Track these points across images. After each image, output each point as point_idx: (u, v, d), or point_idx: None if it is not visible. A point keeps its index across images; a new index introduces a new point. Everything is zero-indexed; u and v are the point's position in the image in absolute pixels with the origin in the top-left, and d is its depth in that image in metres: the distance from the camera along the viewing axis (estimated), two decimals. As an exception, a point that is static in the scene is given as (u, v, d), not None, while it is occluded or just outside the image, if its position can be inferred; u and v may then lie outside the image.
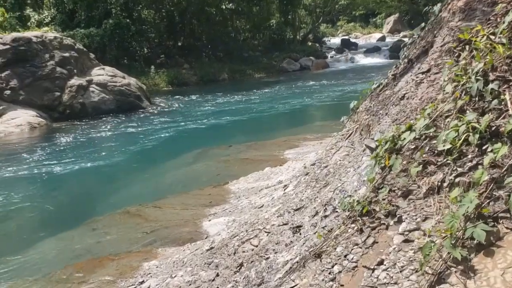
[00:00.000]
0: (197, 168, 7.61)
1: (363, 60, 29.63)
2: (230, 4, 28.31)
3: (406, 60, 3.60)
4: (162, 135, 11.45)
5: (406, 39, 33.25)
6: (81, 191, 7.80)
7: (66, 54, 14.84)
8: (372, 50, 31.59)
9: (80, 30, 22.37)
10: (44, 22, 24.60)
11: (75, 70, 14.82)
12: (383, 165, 2.52)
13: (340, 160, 3.51)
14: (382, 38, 39.53)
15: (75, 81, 14.53)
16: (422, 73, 3.12)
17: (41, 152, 10.04)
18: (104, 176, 8.41)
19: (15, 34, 14.39)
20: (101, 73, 15.34)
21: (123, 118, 13.87)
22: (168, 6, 27.14)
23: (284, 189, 4.48)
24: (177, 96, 18.36)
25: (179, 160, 8.62)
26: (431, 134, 2.35)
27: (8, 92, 13.49)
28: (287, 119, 13.10)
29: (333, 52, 33.17)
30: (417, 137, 2.41)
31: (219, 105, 15.84)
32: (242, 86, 21.43)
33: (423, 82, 3.03)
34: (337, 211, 2.76)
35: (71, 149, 10.26)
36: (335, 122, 11.06)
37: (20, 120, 12.87)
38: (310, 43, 34.71)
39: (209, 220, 4.89)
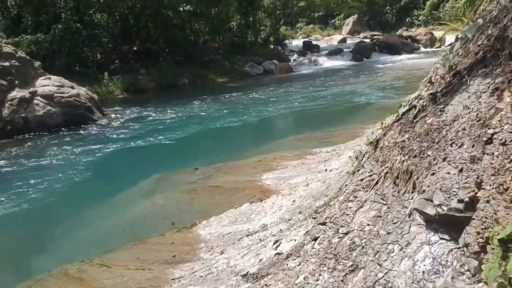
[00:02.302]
0: (156, 202, 6.21)
1: (326, 62, 28.96)
2: (188, 6, 27.01)
3: (451, 73, 2.53)
4: (115, 156, 9.97)
5: (367, 40, 32.97)
6: (5, 241, 6.09)
7: (6, 64, 13.15)
8: (334, 52, 30.99)
9: (26, 37, 20.51)
10: (-14, 28, 22.57)
11: (16, 81, 13.14)
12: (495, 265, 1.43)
13: (369, 225, 2.40)
14: (343, 40, 39.20)
15: (16, 93, 12.86)
16: (494, 91, 2.07)
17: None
18: (38, 218, 6.76)
19: None
20: (47, 84, 13.72)
21: (71, 134, 12.32)
22: (122, 10, 25.54)
23: (275, 247, 3.33)
24: (133, 105, 16.88)
25: (134, 190, 7.16)
26: None
27: None
28: (258, 132, 11.93)
29: (296, 55, 32.41)
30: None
31: (180, 115, 14.50)
32: (205, 92, 20.12)
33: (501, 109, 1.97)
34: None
35: (1, 179, 8.66)
36: (309, 134, 10.13)
37: (-50, 140, 11.15)
38: (272, 46, 33.81)
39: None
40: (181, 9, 26.66)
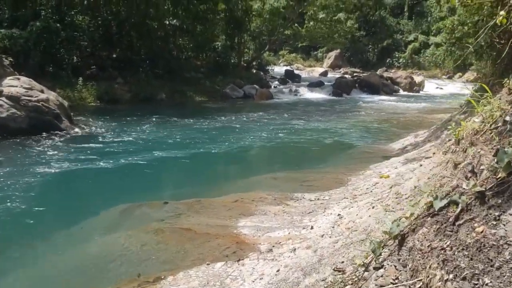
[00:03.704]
0: (116, 243, 5.39)
1: (307, 94, 28.83)
2: (174, 20, 26.55)
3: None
4: (77, 174, 9.09)
5: (347, 76, 33.24)
6: None
7: (-29, 57, 12.23)
8: (315, 84, 30.94)
9: (0, 30, 19.50)
10: (-40, 17, 21.50)
11: (-20, 78, 12.21)
12: None
13: None
14: (325, 73, 39.44)
15: (-22, 91, 11.92)
16: None
17: None
18: None
19: None
20: (15, 84, 12.80)
21: (34, 142, 11.42)
22: (105, 15, 24.80)
23: None
24: (106, 116, 16.05)
25: (93, 222, 6.32)
26: None
27: None
28: (234, 163, 11.31)
29: (277, 82, 32.24)
30: None
31: (154, 132, 13.79)
32: (182, 110, 19.48)
33: None
34: None
35: None
36: (289, 173, 9.59)
37: None
38: (254, 70, 33.59)
39: None
40: (167, 22, 26.17)
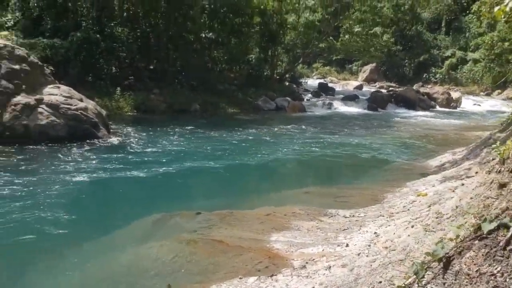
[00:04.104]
0: (150, 252, 5.39)
1: (341, 107, 28.57)
2: (210, 34, 26.93)
3: None
4: (113, 182, 9.22)
5: (383, 90, 32.74)
6: None
7: (16, 67, 12.69)
8: (350, 98, 30.66)
9: (43, 40, 20.26)
10: (6, 25, 22.44)
11: (23, 86, 12.64)
12: None
13: None
14: (360, 87, 39.06)
15: (21, 99, 12.34)
16: None
17: None
18: (4, 259, 5.76)
19: (-45, 36, 12.19)
20: (55, 93, 13.21)
21: (72, 150, 11.70)
22: (144, 27, 25.40)
23: None
24: (142, 125, 16.35)
25: (127, 231, 6.38)
26: None
27: None
28: (267, 176, 11.25)
29: (310, 95, 32.17)
30: None
31: (187, 143, 13.92)
32: (215, 121, 19.66)
33: None
34: None
35: None
36: (322, 188, 9.45)
37: None
38: (287, 83, 33.61)
39: None
40: (203, 35, 26.55)
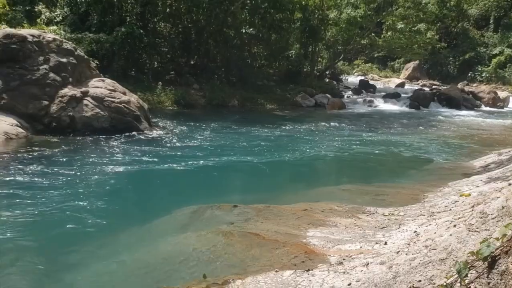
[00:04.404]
0: (188, 241, 5.47)
1: (382, 105, 28.06)
2: (251, 29, 26.99)
3: None
4: (153, 174, 9.41)
5: (426, 89, 31.86)
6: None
7: (64, 60, 13.15)
8: (391, 96, 30.04)
9: (89, 35, 20.94)
10: (55, 20, 23.30)
11: (70, 79, 13.10)
12: None
13: None
14: (402, 85, 38.20)
15: (68, 91, 12.78)
16: None
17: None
18: (46, 238, 6.02)
19: (8, 30, 12.73)
20: (100, 86, 13.61)
21: (114, 142, 12.01)
22: (185, 22, 25.77)
23: None
24: (181, 119, 16.60)
25: (166, 221, 6.47)
26: None
27: (-12, 94, 11.75)
28: (305, 173, 11.17)
29: (350, 92, 31.73)
30: None
31: (226, 137, 14.03)
32: (253, 117, 19.73)
33: None
34: None
35: (27, 181, 8.07)
36: (361, 186, 9.30)
37: (-4, 129, 11.07)
38: (327, 80, 33.28)
39: None
40: (243, 30, 26.64)
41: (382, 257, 4.14)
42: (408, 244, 4.37)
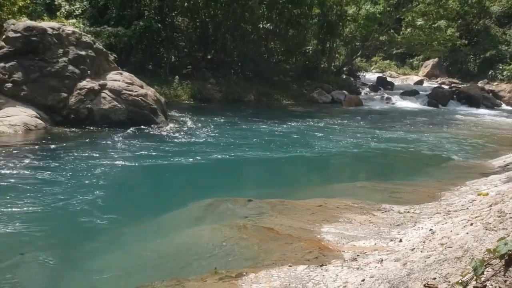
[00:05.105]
0: (203, 234, 5.51)
1: (399, 102, 27.78)
2: (268, 24, 26.89)
3: None
4: (167, 168, 9.43)
5: (445, 87, 31.32)
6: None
7: (82, 53, 13.30)
8: (409, 93, 29.69)
9: (108, 28, 21.15)
10: (74, 14, 23.56)
11: (88, 71, 13.23)
12: None
13: None
14: (420, 82, 37.69)
15: (86, 83, 12.93)
16: None
17: (9, 171, 8.10)
18: (61, 229, 6.08)
19: (29, 23, 12.90)
20: (118, 79, 13.73)
21: (131, 134, 12.12)
22: (203, 17, 25.82)
23: None
24: (198, 113, 16.67)
25: (181, 214, 6.54)
26: None
27: (9, 85, 11.93)
28: (319, 168, 11.14)
29: (367, 89, 31.43)
30: None
31: (242, 132, 14.06)
32: (269, 112, 19.71)
33: None
34: None
35: (45, 172, 8.14)
36: (377, 183, 9.23)
37: (16, 119, 11.24)
38: (344, 76, 33.01)
39: None
40: (261, 25, 26.57)
41: (397, 254, 4.11)
42: (424, 242, 4.32)
